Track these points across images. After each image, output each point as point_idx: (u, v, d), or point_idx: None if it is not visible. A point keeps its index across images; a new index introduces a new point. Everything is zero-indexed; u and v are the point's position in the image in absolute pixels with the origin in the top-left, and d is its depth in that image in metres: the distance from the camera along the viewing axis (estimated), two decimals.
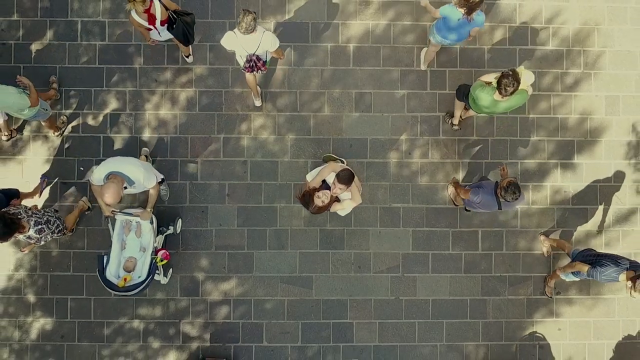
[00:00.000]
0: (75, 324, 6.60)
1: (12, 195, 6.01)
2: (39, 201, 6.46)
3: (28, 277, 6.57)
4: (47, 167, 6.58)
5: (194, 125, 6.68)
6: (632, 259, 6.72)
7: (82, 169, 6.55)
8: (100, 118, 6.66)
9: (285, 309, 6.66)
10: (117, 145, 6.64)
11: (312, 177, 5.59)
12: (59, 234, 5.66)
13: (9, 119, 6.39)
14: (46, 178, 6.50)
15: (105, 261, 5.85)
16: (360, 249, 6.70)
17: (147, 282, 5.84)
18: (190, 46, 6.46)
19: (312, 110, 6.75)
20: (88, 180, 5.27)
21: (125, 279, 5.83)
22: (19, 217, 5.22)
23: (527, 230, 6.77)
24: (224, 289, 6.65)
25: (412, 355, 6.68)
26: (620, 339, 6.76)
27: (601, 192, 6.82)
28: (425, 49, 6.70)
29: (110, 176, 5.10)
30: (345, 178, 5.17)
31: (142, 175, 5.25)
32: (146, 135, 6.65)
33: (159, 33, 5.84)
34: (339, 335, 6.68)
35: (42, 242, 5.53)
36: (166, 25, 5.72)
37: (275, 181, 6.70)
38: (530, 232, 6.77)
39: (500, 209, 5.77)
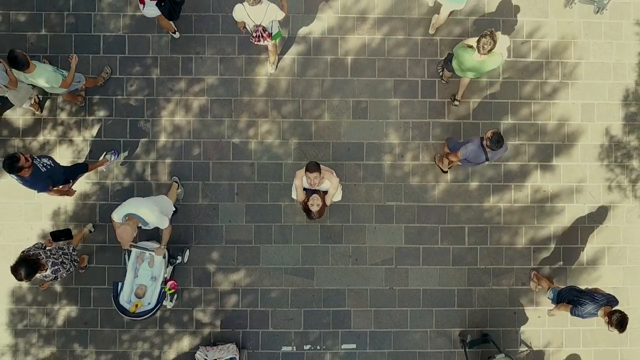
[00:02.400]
0: (98, 311, 6.94)
1: (80, 170, 6.50)
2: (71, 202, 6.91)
3: None
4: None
5: (206, 131, 7.03)
6: (607, 255, 7.10)
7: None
8: (121, 124, 7.04)
9: (289, 297, 6.98)
10: (136, 149, 7.03)
11: (296, 194, 5.91)
12: (69, 273, 5.98)
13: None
14: (114, 152, 6.94)
15: (120, 287, 6.16)
16: (357, 243, 7.01)
17: (155, 309, 6.16)
18: (173, 23, 6.76)
19: (314, 117, 7.09)
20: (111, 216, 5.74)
21: (136, 305, 6.13)
22: (39, 257, 5.62)
23: (510, 226, 7.09)
24: (233, 280, 6.99)
25: (405, 340, 7.00)
26: (595, 326, 7.04)
27: (577, 191, 7.14)
28: (436, 15, 6.93)
29: (127, 217, 5.55)
30: (313, 166, 5.50)
31: (155, 219, 5.66)
32: (162, 139, 7.03)
33: (144, 6, 6.20)
34: (337, 322, 6.99)
35: (58, 279, 5.90)
36: (155, 2, 6.14)
37: (280, 181, 7.02)
38: (513, 227, 7.09)
39: (488, 160, 5.95)
